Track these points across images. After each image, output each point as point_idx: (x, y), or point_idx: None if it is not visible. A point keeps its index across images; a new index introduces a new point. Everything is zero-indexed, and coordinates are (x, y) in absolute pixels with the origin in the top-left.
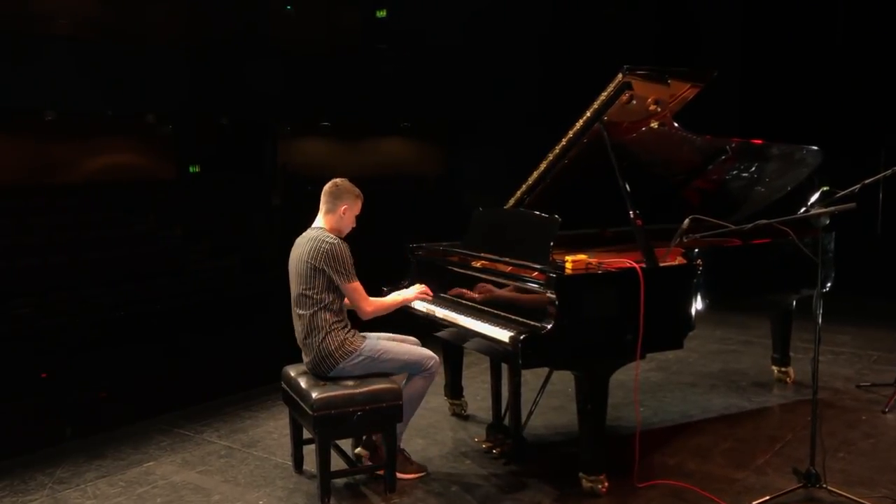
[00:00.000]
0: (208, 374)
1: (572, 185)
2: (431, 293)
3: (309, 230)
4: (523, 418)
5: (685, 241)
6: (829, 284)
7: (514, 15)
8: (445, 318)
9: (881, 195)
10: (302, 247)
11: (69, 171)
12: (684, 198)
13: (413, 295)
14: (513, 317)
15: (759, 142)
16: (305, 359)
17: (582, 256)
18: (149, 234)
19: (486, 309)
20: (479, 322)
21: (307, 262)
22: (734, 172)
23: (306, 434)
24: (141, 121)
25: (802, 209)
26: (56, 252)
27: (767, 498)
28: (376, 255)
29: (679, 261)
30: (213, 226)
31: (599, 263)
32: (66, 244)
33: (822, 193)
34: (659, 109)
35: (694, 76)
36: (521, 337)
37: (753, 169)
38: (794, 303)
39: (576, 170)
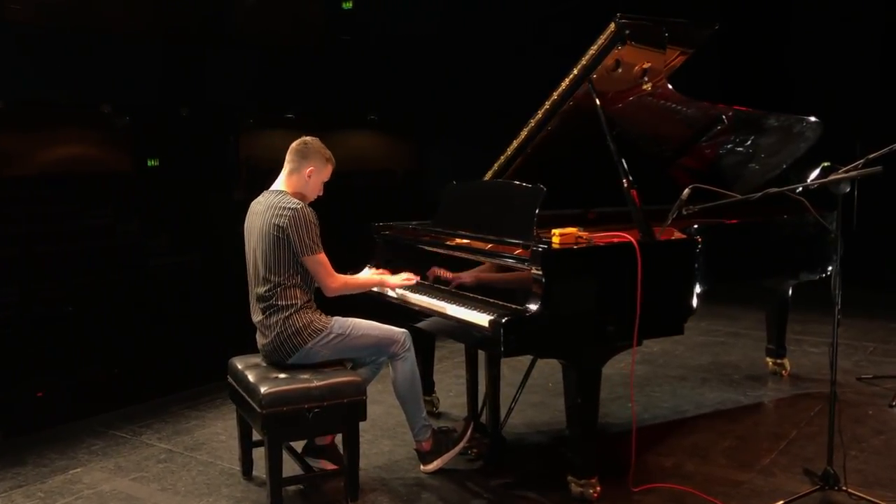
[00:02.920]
0: (156, 371)
1: (555, 158)
2: (416, 279)
3: (267, 193)
4: (502, 415)
5: (685, 213)
6: (829, 268)
7: (484, 6)
8: (417, 302)
9: (856, 193)
10: (260, 214)
11: (20, 163)
12: (672, 177)
13: (398, 282)
14: (492, 300)
15: (758, 111)
16: (262, 341)
17: (571, 230)
18: (105, 229)
19: (461, 292)
20: (454, 306)
21: (268, 231)
22: (728, 146)
23: (257, 435)
24: (97, 112)
25: (800, 189)
26: (5, 245)
27: (782, 502)
28: (343, 251)
29: (677, 236)
30: (173, 221)
31: (590, 238)
32: (16, 237)
33: (823, 169)
34: (647, 79)
35: (690, 33)
36: (503, 320)
37: (749, 143)
38: (791, 290)
39: (559, 140)
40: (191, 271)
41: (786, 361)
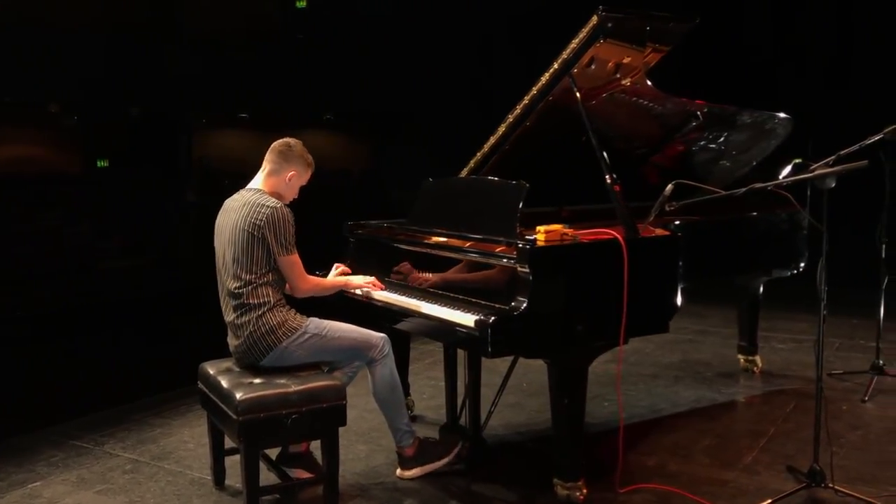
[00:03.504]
0: (115, 378)
1: (529, 155)
2: (383, 286)
3: (243, 191)
4: (482, 417)
5: (667, 209)
6: (802, 263)
7: (440, 7)
8: (395, 303)
9: (808, 193)
10: (236, 211)
11: None
12: (642, 175)
13: (360, 282)
14: (473, 299)
15: (731, 108)
16: (234, 342)
17: (556, 226)
18: (54, 232)
19: (440, 291)
20: (436, 306)
21: (244, 229)
22: (701, 143)
23: (229, 443)
24: (43, 111)
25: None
26: None
27: (769, 501)
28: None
29: (659, 232)
30: (124, 223)
31: (576, 235)
32: None
33: (795, 166)
34: (619, 76)
35: (671, 27)
36: (491, 320)
37: (721, 140)
38: (762, 287)
39: (534, 137)
40: (144, 274)
41: (758, 358)
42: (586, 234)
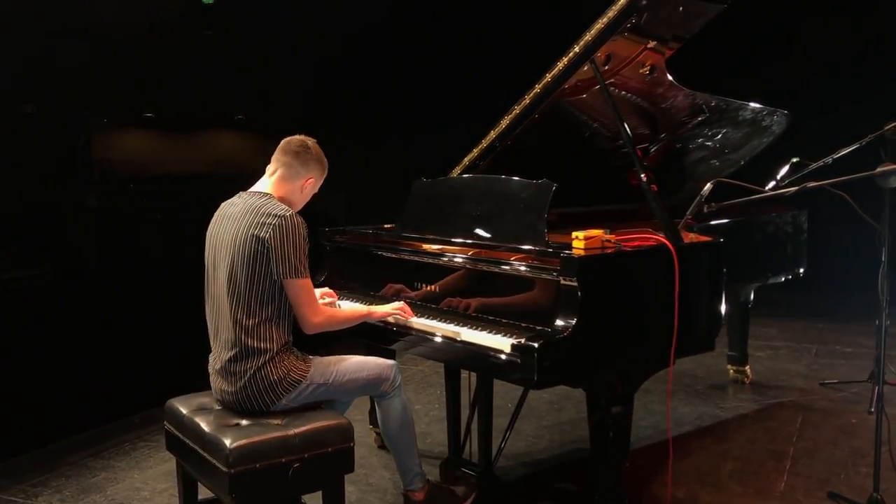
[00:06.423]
0: (35, 412)
1: (531, 152)
2: (412, 313)
3: (245, 195)
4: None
5: (706, 211)
6: (801, 269)
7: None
8: (414, 325)
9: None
10: (234, 220)
11: None
12: (625, 178)
13: (387, 311)
14: (491, 317)
15: (735, 101)
16: (221, 385)
17: (597, 231)
18: None
19: (447, 309)
20: (453, 326)
21: (244, 243)
22: (699, 140)
23: (203, 492)
24: None
25: (772, 183)
26: None
27: None
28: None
29: (695, 237)
30: (19, 230)
31: (618, 241)
32: None
33: (793, 165)
34: (608, 68)
35: (704, 8)
36: (537, 345)
37: (719, 137)
38: (752, 294)
39: (536, 133)
40: (44, 286)
41: (747, 369)
42: (628, 241)
